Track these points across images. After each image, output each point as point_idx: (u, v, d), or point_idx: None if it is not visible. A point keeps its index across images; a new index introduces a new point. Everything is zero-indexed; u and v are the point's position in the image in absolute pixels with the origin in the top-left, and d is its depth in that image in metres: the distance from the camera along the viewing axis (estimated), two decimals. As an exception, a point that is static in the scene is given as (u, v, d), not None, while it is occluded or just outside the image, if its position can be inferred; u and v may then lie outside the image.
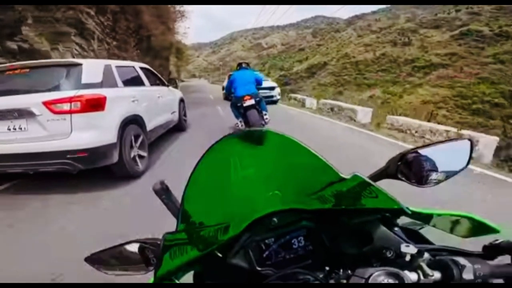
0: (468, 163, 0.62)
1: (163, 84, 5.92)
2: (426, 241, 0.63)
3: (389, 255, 0.53)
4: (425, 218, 0.60)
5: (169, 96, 5.95)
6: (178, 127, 6.70)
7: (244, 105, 5.45)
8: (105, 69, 3.82)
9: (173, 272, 0.59)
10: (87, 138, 3.24)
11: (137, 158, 3.98)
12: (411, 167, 0.59)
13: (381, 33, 58.58)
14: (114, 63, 4.24)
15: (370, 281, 0.42)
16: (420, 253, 0.48)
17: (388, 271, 0.42)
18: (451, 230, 0.62)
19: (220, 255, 0.66)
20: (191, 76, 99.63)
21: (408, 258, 0.47)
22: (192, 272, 0.68)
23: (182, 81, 39.59)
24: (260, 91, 6.17)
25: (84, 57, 8.56)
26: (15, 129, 3.21)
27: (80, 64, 3.51)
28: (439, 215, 0.55)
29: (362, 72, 44.35)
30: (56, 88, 3.32)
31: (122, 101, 3.86)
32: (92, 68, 3.64)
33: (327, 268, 0.58)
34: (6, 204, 3.35)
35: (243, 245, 0.67)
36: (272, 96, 12.90)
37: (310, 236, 0.67)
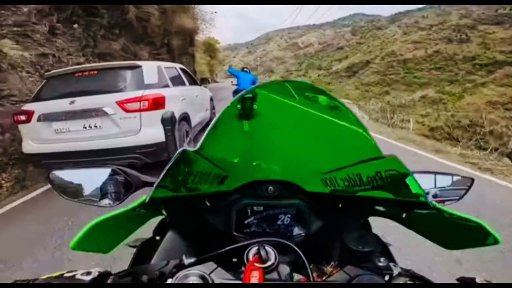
0: (461, 198, 0.67)
1: (196, 83, 6.14)
2: (391, 257, 0.61)
3: (380, 264, 0.51)
4: (430, 224, 0.55)
5: (202, 95, 6.28)
6: (208, 124, 6.86)
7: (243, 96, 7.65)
8: (158, 70, 4.01)
9: (159, 201, 0.52)
10: (153, 134, 3.38)
11: None
12: None
13: (432, 29, 54.60)
14: (162, 64, 4.44)
15: (355, 281, 0.42)
16: (402, 274, 0.48)
17: (376, 280, 0.43)
18: (441, 240, 0.55)
19: (208, 204, 0.63)
20: (228, 77, 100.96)
21: (394, 274, 0.48)
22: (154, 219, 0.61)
23: (216, 82, 36.21)
24: None
25: None
26: (90, 127, 3.42)
27: (140, 66, 3.73)
28: (454, 215, 0.49)
29: (412, 70, 41.30)
30: (125, 88, 3.53)
31: (175, 100, 4.10)
32: (149, 70, 3.84)
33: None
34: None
35: (229, 203, 0.64)
36: None
37: (297, 217, 0.64)
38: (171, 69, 4.79)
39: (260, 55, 65.19)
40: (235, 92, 8.04)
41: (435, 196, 0.65)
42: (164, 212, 0.58)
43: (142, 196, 0.48)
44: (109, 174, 0.63)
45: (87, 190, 0.64)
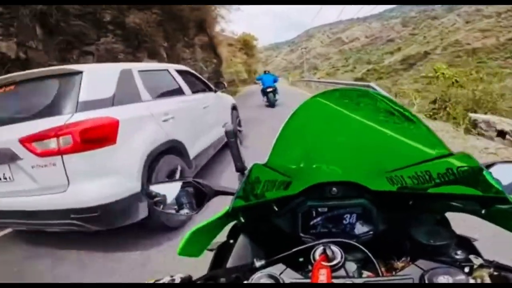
0: None
1: (210, 90, 4.62)
2: (474, 250, 0.58)
3: (458, 257, 0.51)
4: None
5: (218, 104, 4.66)
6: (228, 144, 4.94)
7: (267, 91, 10.47)
8: (122, 77, 2.60)
9: (237, 210, 0.59)
10: (92, 192, 2.12)
11: None
12: None
13: (501, 17, 49.64)
14: (136, 66, 2.97)
15: (428, 274, 0.41)
16: (484, 266, 0.46)
17: (452, 272, 0.41)
18: None
19: (276, 208, 0.66)
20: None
21: (475, 266, 0.46)
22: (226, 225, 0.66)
23: (255, 83, 32.70)
24: None
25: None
26: None
27: (79, 72, 2.28)
28: None
29: (484, 60, 37.98)
30: (42, 113, 2.14)
31: (148, 123, 2.58)
32: (98, 77, 2.45)
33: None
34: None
35: (295, 207, 0.66)
36: None
37: (364, 216, 0.65)
38: (156, 72, 3.35)
39: (304, 52, 64.45)
40: (262, 91, 10.85)
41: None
42: (242, 219, 0.63)
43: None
44: (187, 186, 0.72)
45: (171, 201, 0.72)
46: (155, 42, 8.89)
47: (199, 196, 0.71)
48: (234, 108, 5.53)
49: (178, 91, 3.54)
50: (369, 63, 73.50)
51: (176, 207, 0.71)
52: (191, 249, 0.58)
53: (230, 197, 0.60)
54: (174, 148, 2.84)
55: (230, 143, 0.79)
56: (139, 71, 2.89)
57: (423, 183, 0.54)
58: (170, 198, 0.72)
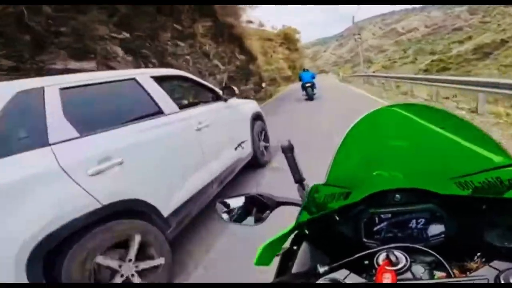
0: None
1: (217, 97, 3.50)
2: None
3: None
4: None
5: (228, 118, 3.47)
6: (252, 163, 3.95)
7: (306, 86, 12.02)
8: (12, 105, 1.58)
9: (302, 224, 0.65)
10: None
11: None
12: None
13: None
14: (62, 81, 1.89)
15: (504, 274, 0.39)
16: None
17: None
18: None
19: (337, 218, 0.67)
20: (320, 72, 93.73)
21: None
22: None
23: (300, 79, 17.55)
24: None
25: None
26: None
27: None
28: None
29: None
30: None
31: (47, 187, 1.53)
32: None
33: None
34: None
35: (357, 214, 0.66)
36: None
37: (432, 221, 0.63)
38: (104, 87, 2.12)
39: (358, 40, 62.53)
40: (302, 86, 12.31)
41: None
42: (306, 231, 0.69)
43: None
44: (251, 200, 0.78)
45: (237, 214, 0.79)
46: (82, 36, 5.08)
47: (262, 208, 0.77)
48: (256, 118, 4.17)
49: (151, 111, 2.38)
50: (433, 54, 69.56)
51: (240, 218, 0.78)
52: (264, 259, 0.64)
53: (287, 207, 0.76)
54: (123, 212, 1.82)
55: (287, 158, 0.81)
56: (61, 88, 1.82)
57: (495, 187, 0.55)
58: (238, 211, 0.78)
